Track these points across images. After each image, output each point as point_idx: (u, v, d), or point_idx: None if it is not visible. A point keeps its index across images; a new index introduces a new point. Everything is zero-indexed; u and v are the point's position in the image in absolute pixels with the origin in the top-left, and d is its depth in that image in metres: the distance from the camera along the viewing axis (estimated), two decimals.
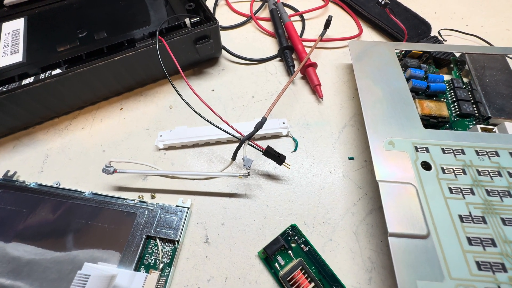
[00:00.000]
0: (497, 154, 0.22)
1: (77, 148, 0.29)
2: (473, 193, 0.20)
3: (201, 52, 0.32)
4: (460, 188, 0.20)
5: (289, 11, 0.42)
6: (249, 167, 0.24)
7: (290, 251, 0.22)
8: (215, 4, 0.43)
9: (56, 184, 0.26)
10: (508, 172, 0.21)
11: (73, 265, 0.21)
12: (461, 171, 0.21)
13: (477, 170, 0.21)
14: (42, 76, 0.28)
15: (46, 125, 0.30)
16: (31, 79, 0.28)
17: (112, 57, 0.28)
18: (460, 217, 0.19)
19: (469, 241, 0.18)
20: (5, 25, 0.34)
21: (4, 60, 0.30)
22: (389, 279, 0.21)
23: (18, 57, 0.31)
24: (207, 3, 0.39)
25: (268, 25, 0.40)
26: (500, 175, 0.21)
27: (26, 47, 0.31)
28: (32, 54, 0.31)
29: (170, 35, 0.30)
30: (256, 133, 0.25)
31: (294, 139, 0.29)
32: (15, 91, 0.25)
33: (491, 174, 0.21)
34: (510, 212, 0.19)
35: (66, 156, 0.28)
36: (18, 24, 0.34)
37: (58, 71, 0.28)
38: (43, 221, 0.23)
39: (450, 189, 0.20)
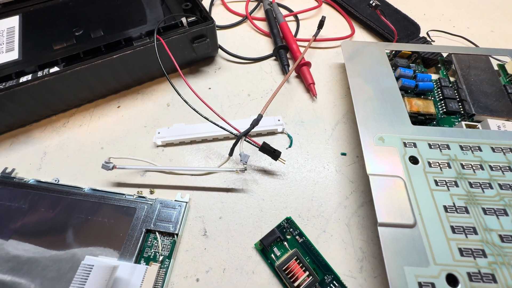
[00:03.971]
0: (480, 149, 0.23)
1: (75, 145, 0.29)
2: (457, 185, 0.21)
3: (198, 51, 0.32)
4: (445, 180, 0.22)
5: (284, 11, 0.42)
6: (246, 162, 0.24)
7: (285, 243, 0.23)
8: (211, 4, 0.43)
9: (55, 180, 0.26)
10: (490, 166, 0.22)
11: (72, 264, 0.21)
12: (446, 164, 0.22)
13: (461, 164, 0.22)
14: (39, 74, 0.28)
15: (43, 122, 0.31)
16: (29, 77, 0.28)
17: (110, 56, 0.28)
18: (445, 207, 0.20)
19: (453, 229, 0.19)
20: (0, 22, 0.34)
21: (0, 57, 0.30)
22: (379, 268, 0.22)
23: (14, 55, 0.31)
24: (203, 2, 0.39)
25: (263, 25, 0.41)
26: (482, 168, 0.22)
27: (21, 45, 0.32)
28: (28, 52, 0.31)
29: (167, 34, 0.30)
30: (252, 130, 0.26)
31: (289, 136, 0.30)
32: (12, 89, 0.26)
33: (473, 167, 0.22)
34: (491, 202, 0.21)
35: (64, 153, 0.28)
36: (12, 22, 0.34)
37: (56, 69, 0.28)
38: (43, 217, 0.23)
39: (436, 182, 0.21)
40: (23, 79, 0.28)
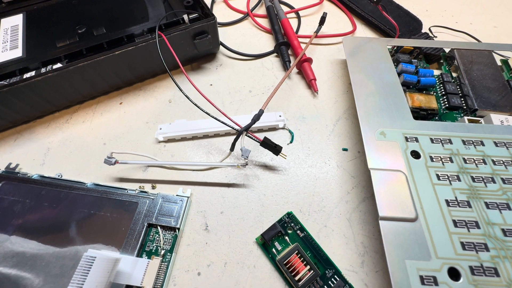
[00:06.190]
0: (482, 143, 0.23)
1: (78, 141, 0.29)
2: (459, 180, 0.21)
3: (199, 48, 0.32)
4: (447, 175, 0.21)
5: (285, 8, 0.42)
6: (247, 157, 0.24)
7: (286, 237, 0.23)
8: (213, 1, 0.44)
9: (58, 175, 0.26)
10: (492, 160, 0.22)
11: (75, 261, 0.21)
12: (448, 159, 0.22)
13: (463, 158, 0.22)
14: (43, 70, 0.28)
15: (47, 119, 0.31)
16: (32, 73, 0.28)
17: (112, 52, 0.28)
18: (447, 201, 0.20)
19: (455, 223, 0.19)
20: (4, 20, 0.35)
21: (4, 55, 0.31)
22: (381, 262, 0.22)
23: (18, 53, 0.31)
24: None
25: (264, 22, 0.41)
26: (485, 163, 0.22)
27: (25, 43, 0.32)
28: (31, 49, 0.31)
29: (168, 31, 0.31)
30: (253, 126, 0.26)
31: (290, 132, 0.30)
32: (16, 85, 0.26)
33: (476, 162, 0.22)
34: (493, 196, 0.20)
35: (67, 149, 0.29)
36: (16, 20, 0.35)
37: (59, 65, 0.29)
38: (46, 212, 0.24)
39: (438, 176, 0.21)
40: (26, 75, 0.28)
